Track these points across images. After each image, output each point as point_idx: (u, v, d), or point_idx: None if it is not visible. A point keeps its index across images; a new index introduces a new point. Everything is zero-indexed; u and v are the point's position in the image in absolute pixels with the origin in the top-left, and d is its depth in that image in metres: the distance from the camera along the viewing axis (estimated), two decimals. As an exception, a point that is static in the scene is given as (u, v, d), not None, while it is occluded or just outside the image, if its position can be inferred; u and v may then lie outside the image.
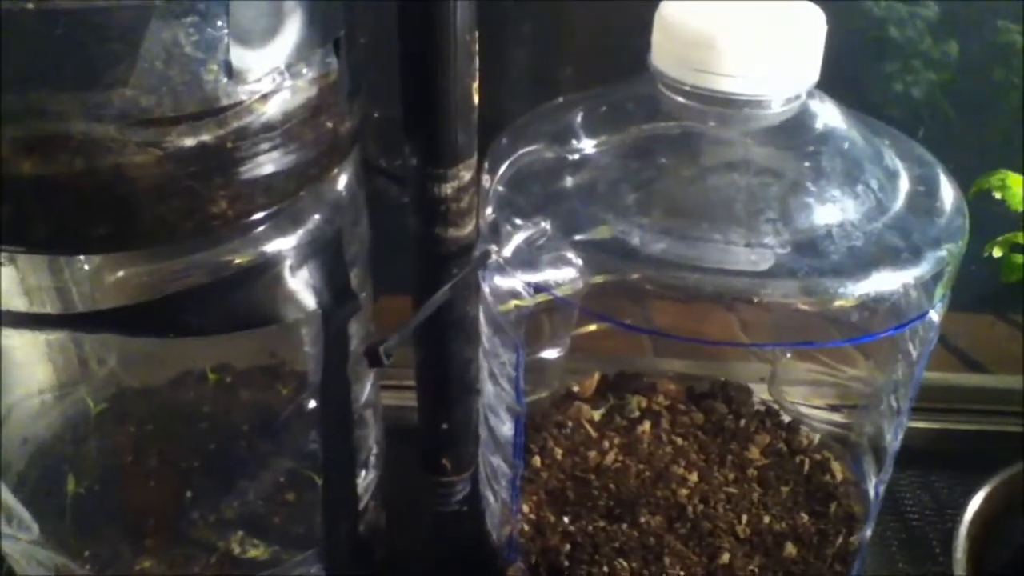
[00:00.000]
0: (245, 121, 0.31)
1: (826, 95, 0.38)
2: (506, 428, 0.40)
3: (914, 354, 0.39)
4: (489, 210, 0.38)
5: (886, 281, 0.32)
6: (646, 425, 0.49)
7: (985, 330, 0.69)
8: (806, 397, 0.49)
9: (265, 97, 0.31)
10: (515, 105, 0.57)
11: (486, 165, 0.39)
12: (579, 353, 0.53)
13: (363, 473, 0.44)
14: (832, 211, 0.34)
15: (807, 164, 0.35)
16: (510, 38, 0.57)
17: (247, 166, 0.31)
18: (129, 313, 0.33)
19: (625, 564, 0.42)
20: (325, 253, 0.35)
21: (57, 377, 0.48)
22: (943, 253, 0.34)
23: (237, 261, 0.33)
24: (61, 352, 0.48)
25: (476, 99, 0.36)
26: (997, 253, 0.46)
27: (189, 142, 0.30)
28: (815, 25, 0.34)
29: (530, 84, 0.58)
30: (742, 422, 0.50)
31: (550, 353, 0.46)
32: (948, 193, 0.37)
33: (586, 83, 0.46)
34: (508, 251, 0.36)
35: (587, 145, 0.39)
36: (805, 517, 0.44)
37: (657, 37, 0.35)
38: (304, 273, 0.34)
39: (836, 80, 0.41)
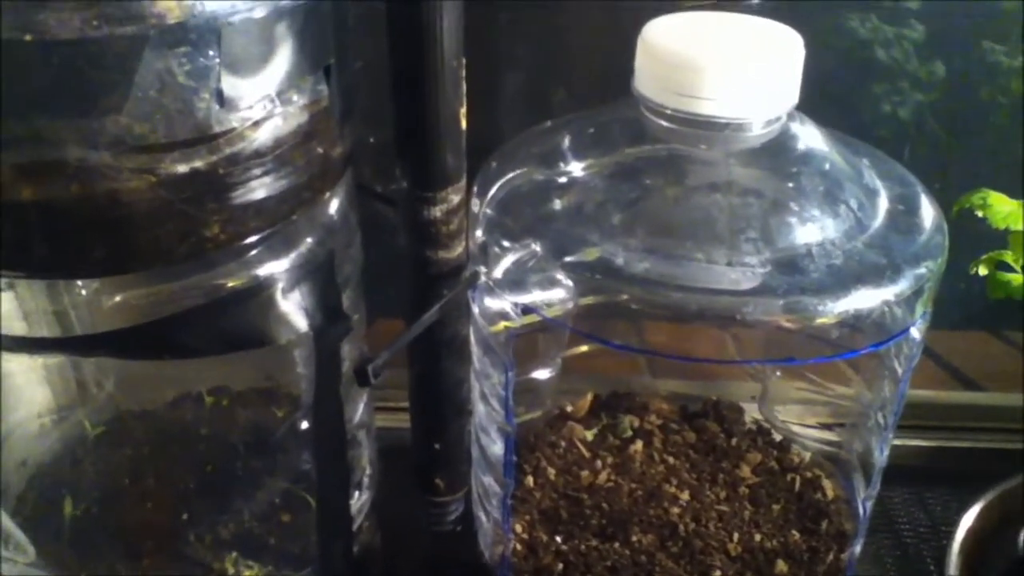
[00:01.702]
0: (237, 147, 0.31)
1: (807, 117, 0.38)
2: (497, 448, 0.41)
3: (899, 371, 0.39)
4: (478, 232, 0.39)
5: (866, 298, 0.33)
6: (638, 444, 0.50)
7: (979, 347, 0.70)
8: (797, 416, 0.50)
9: (256, 124, 0.32)
10: (506, 129, 0.58)
11: (475, 188, 0.40)
12: (572, 374, 0.53)
13: (357, 494, 0.44)
14: (812, 230, 0.34)
15: (788, 184, 0.36)
16: (501, 62, 0.58)
17: (239, 191, 0.32)
18: (125, 336, 0.33)
19: (617, 582, 0.42)
20: (317, 275, 0.36)
21: (56, 400, 0.48)
22: (923, 270, 0.34)
23: (230, 284, 0.34)
24: (60, 376, 0.48)
25: (464, 124, 0.37)
26: (983, 271, 0.47)
27: (182, 168, 0.31)
28: (793, 48, 0.35)
29: (521, 108, 0.59)
30: (734, 441, 0.50)
31: (541, 373, 0.47)
32: (928, 211, 0.37)
33: (577, 106, 0.47)
34: (498, 273, 0.37)
35: (574, 168, 0.40)
36: (796, 534, 0.45)
37: (640, 61, 0.36)
38: (296, 295, 0.35)
39: (824, 102, 0.42)
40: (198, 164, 0.31)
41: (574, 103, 0.59)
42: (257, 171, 0.32)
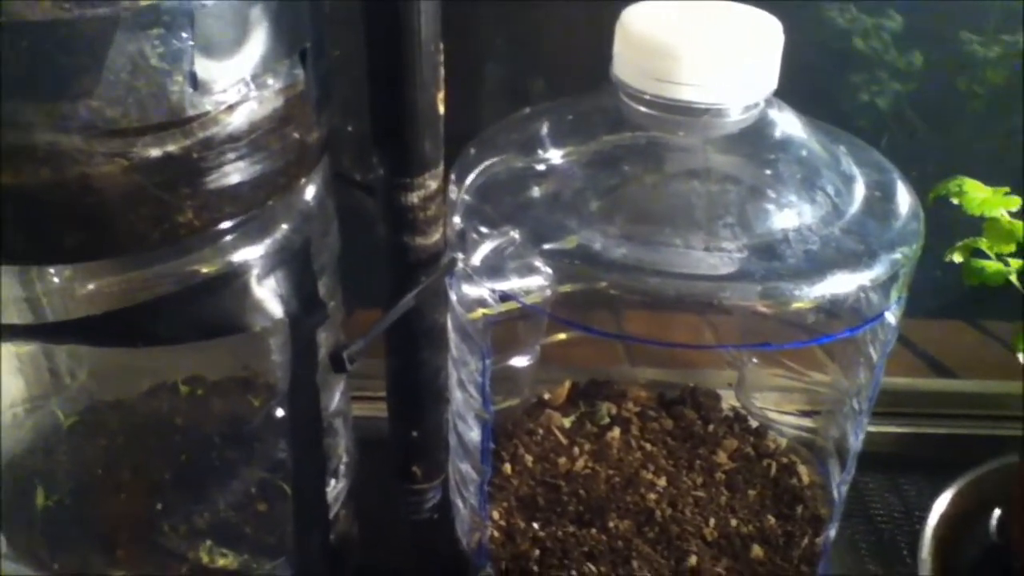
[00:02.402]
0: (211, 131, 0.31)
1: (785, 104, 0.38)
2: (474, 434, 0.40)
3: (874, 356, 0.39)
4: (456, 219, 0.39)
5: (842, 283, 0.33)
6: (616, 431, 0.50)
7: (954, 336, 0.71)
8: (774, 403, 0.50)
9: (231, 108, 0.31)
10: (485, 117, 0.58)
11: (453, 175, 0.40)
12: (550, 362, 0.53)
13: (333, 482, 0.44)
14: (789, 216, 0.35)
15: (766, 170, 0.36)
16: (481, 49, 0.58)
17: (213, 176, 0.31)
18: (97, 323, 0.33)
19: (594, 568, 0.42)
20: (293, 262, 0.36)
21: (28, 391, 0.48)
22: (898, 256, 0.34)
23: (205, 270, 0.34)
24: (32, 365, 0.48)
25: (442, 109, 0.37)
26: (958, 259, 0.47)
27: (155, 152, 0.30)
28: (772, 35, 0.35)
29: (500, 96, 0.59)
30: (711, 427, 0.50)
31: (519, 361, 0.47)
32: (904, 198, 0.37)
33: (557, 94, 0.46)
34: (476, 260, 0.37)
35: (553, 155, 0.40)
36: (772, 519, 0.45)
37: (618, 47, 0.36)
38: (271, 282, 0.35)
39: (804, 91, 0.42)
40: (171, 148, 0.30)
41: (553, 92, 0.58)
42: (231, 156, 0.32)
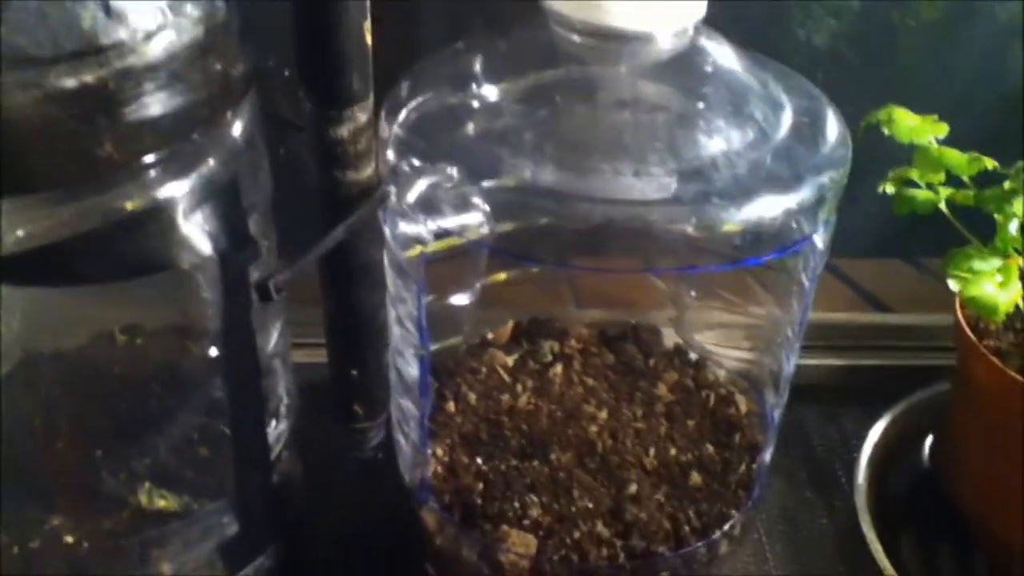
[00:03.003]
0: (128, 61, 0.30)
1: (716, 32, 0.38)
2: (413, 370, 0.41)
3: (806, 283, 0.40)
4: (389, 154, 0.38)
5: (769, 206, 0.33)
6: (558, 368, 0.50)
7: (891, 272, 0.72)
8: (715, 339, 0.51)
9: (148, 37, 0.30)
10: (417, 52, 0.57)
11: (384, 109, 0.39)
12: (494, 304, 0.53)
13: (274, 423, 0.44)
14: (718, 141, 0.35)
15: (695, 98, 0.36)
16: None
17: (132, 107, 0.31)
18: (18, 262, 0.32)
19: (536, 499, 0.43)
20: (221, 198, 0.35)
21: (-42, 343, 0.46)
22: (825, 180, 0.35)
23: (129, 207, 0.33)
24: (-38, 318, 0.47)
25: (369, 39, 0.36)
26: (890, 189, 0.48)
27: (70, 83, 0.29)
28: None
29: (434, 28, 0.58)
30: (651, 361, 0.51)
31: (459, 300, 0.46)
32: (832, 124, 0.38)
33: (494, 27, 0.46)
34: (411, 196, 0.37)
35: (487, 91, 0.39)
36: (710, 448, 0.46)
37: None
38: (199, 218, 0.34)
39: (738, 31, 0.42)
40: (87, 79, 0.30)
41: (490, 26, 0.58)
42: (150, 87, 0.31)
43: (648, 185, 0.33)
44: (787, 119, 0.37)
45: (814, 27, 0.63)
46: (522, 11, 0.53)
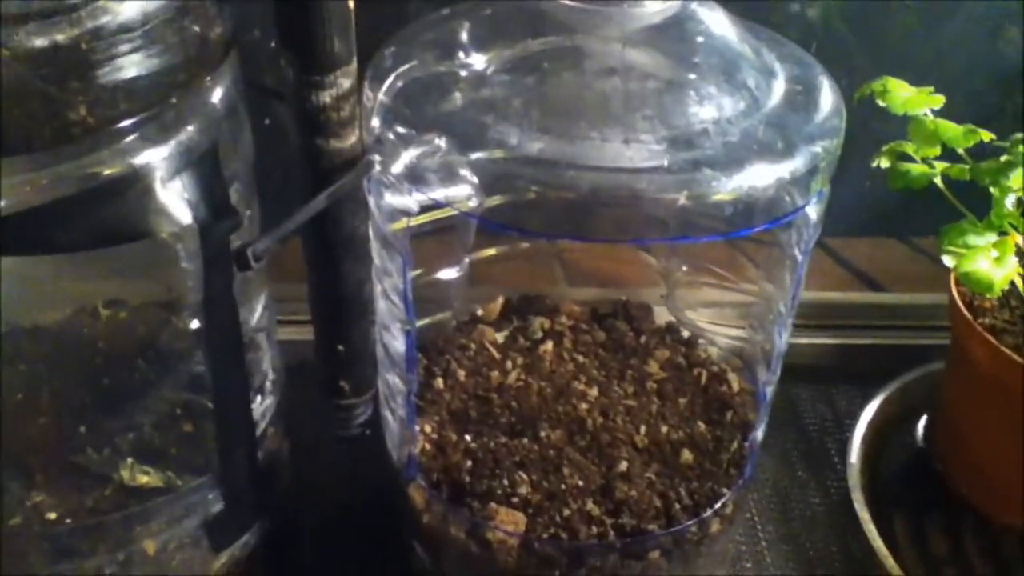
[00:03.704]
0: (101, 21, 0.29)
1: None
2: (399, 344, 0.40)
3: (798, 257, 0.39)
4: (374, 122, 0.37)
5: (761, 174, 0.33)
6: (548, 344, 0.49)
7: (885, 252, 0.72)
8: (706, 316, 0.50)
9: (123, -3, 0.30)
10: (404, 16, 0.56)
11: (368, 76, 0.38)
12: (484, 282, 0.53)
13: (259, 399, 0.43)
14: (709, 109, 0.34)
15: (685, 64, 0.35)
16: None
17: (105, 69, 0.30)
18: (-8, 229, 0.31)
19: (525, 476, 0.42)
20: (200, 166, 0.34)
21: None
22: (818, 149, 0.34)
23: (106, 172, 0.32)
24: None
25: (352, 3, 0.35)
26: (884, 163, 0.47)
27: (40, 42, 0.29)
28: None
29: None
30: (642, 339, 0.50)
31: (447, 274, 0.46)
32: (826, 94, 0.37)
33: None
34: (398, 167, 0.36)
35: (475, 59, 0.38)
36: (702, 426, 0.45)
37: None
38: (177, 185, 0.33)
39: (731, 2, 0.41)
40: (58, 38, 0.29)
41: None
42: (125, 48, 0.30)
43: (637, 153, 0.32)
44: (780, 87, 0.36)
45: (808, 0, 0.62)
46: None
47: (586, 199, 0.33)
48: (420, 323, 0.43)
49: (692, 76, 0.35)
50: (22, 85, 0.29)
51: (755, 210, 0.33)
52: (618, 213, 0.35)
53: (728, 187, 0.32)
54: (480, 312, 0.52)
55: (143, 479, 0.41)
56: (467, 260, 0.47)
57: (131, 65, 0.30)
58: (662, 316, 0.53)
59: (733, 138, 0.33)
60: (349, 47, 0.36)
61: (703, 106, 0.34)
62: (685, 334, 0.51)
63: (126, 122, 0.31)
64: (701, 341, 0.50)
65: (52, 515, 0.41)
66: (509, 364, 0.48)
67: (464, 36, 0.39)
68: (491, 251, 0.50)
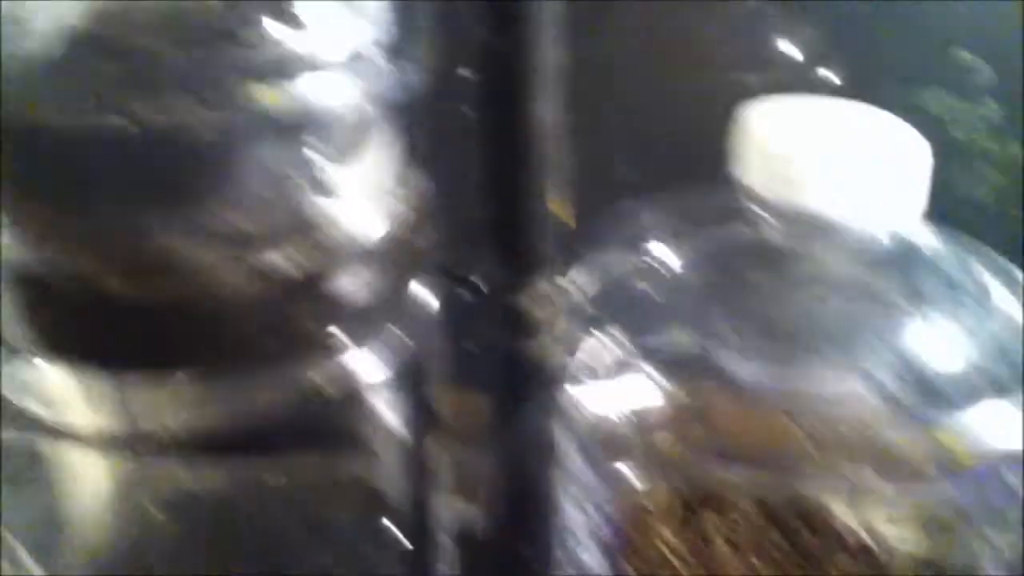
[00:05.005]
0: (335, 240, 0.30)
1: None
2: (588, 556, 0.38)
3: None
4: (570, 321, 0.37)
5: (995, 410, 0.31)
6: (721, 543, 0.47)
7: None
8: (890, 518, 0.47)
9: (355, 215, 0.30)
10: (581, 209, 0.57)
11: (566, 274, 0.38)
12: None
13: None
14: (934, 337, 0.32)
15: (905, 286, 0.34)
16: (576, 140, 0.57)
17: (336, 285, 0.30)
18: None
19: None
20: (413, 375, 0.34)
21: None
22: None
23: (319, 381, 0.33)
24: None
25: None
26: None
27: (277, 260, 0.30)
28: (920, 156, 0.33)
29: (595, 186, 0.58)
30: (820, 541, 0.47)
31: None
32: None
33: (658, 186, 0.45)
34: (592, 364, 0.35)
35: (667, 254, 0.38)
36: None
37: (739, 146, 0.34)
38: (391, 396, 0.33)
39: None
40: (294, 256, 0.30)
41: (654, 182, 0.57)
42: (356, 266, 0.31)
43: (864, 384, 0.31)
44: (1000, 310, 0.35)
45: (976, 182, 0.61)
46: (690, 169, 0.53)
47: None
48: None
49: (914, 299, 0.34)
50: (258, 300, 0.30)
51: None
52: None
53: (962, 424, 0.30)
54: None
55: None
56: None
57: (360, 283, 0.31)
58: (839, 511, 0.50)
59: (963, 370, 0.31)
60: (548, 248, 0.36)
61: (927, 332, 0.33)
62: (867, 539, 0.48)
63: (348, 335, 0.32)
64: (886, 547, 0.47)
65: None
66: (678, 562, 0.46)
67: (656, 229, 0.39)
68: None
